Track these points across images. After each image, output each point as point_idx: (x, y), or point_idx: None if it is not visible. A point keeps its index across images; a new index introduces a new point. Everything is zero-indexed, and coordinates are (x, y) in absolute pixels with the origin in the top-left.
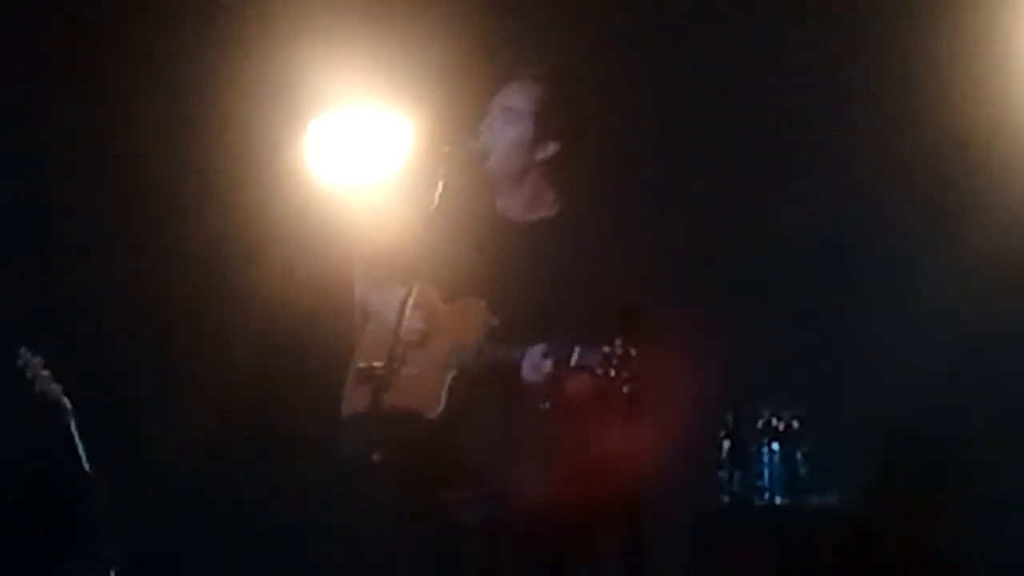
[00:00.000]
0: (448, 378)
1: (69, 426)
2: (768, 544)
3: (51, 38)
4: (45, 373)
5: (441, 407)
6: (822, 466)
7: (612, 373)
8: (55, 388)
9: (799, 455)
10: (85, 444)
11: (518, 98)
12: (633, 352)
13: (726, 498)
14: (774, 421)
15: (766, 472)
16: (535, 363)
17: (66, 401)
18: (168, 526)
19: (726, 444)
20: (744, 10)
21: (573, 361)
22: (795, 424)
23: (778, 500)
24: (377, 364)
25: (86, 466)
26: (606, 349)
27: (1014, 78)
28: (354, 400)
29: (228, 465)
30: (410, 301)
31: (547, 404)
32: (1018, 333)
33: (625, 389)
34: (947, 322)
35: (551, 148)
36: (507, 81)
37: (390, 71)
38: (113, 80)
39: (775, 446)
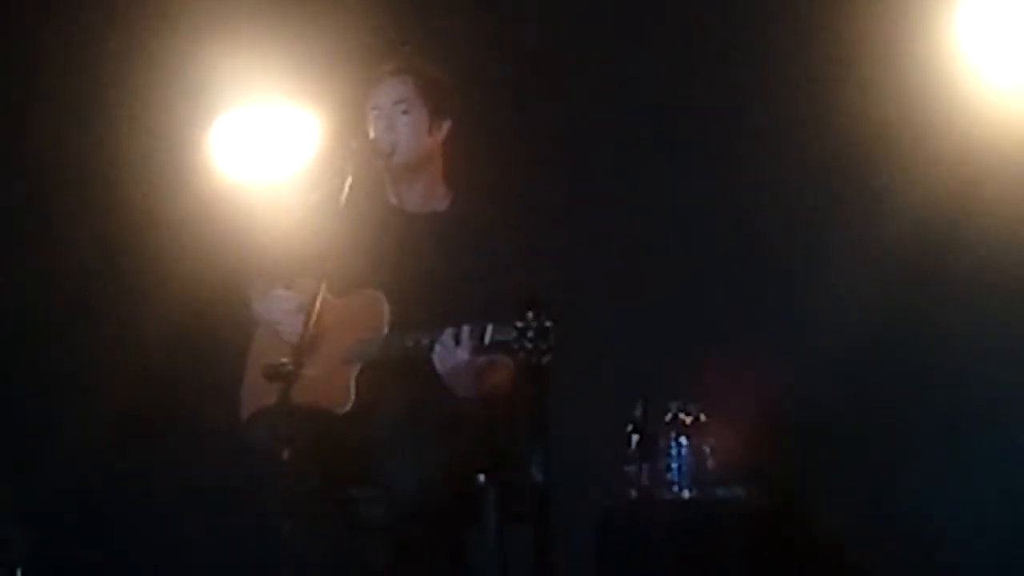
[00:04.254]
0: (354, 372)
1: None
2: (676, 537)
3: None
4: None
5: (351, 402)
6: (729, 459)
7: (529, 346)
8: None
9: (707, 449)
10: None
11: (402, 90)
12: (548, 324)
13: (634, 492)
14: (682, 415)
15: (674, 466)
16: (448, 348)
17: None
18: (72, 524)
19: (635, 438)
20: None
21: (487, 339)
22: (702, 417)
23: (686, 494)
24: (284, 360)
25: None
26: (519, 323)
27: (922, 78)
28: (259, 397)
29: (133, 463)
30: (305, 298)
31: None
32: (920, 328)
33: (544, 361)
34: (851, 316)
35: (445, 127)
36: (376, 83)
37: (296, 67)
38: (12, 76)
39: (683, 440)
